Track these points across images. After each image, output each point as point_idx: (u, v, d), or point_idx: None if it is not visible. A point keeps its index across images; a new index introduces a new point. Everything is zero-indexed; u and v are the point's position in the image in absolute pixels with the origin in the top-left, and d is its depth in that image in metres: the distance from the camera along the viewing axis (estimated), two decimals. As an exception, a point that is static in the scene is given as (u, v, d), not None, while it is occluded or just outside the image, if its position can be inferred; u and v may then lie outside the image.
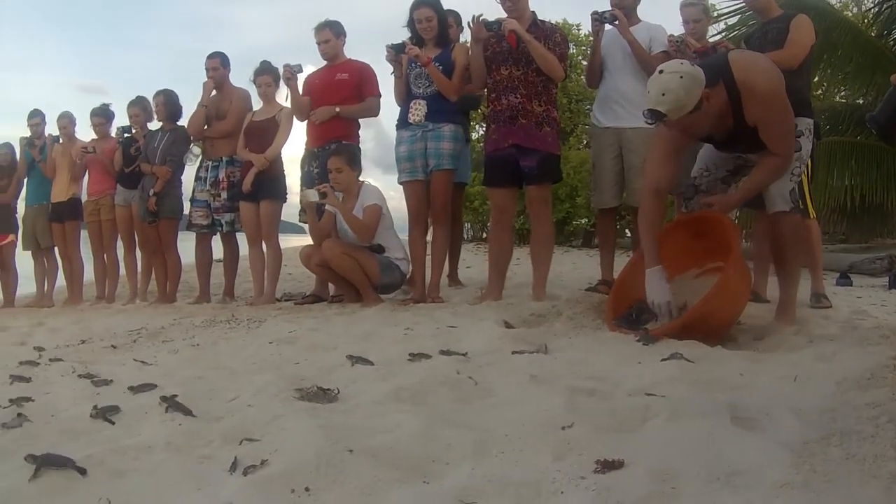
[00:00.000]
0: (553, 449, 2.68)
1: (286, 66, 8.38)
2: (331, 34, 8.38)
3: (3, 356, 6.31)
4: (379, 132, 10.07)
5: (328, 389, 3.74)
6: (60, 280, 11.66)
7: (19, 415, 3.87)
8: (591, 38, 18.01)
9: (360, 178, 7.86)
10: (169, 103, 9.79)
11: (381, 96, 8.41)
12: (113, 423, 3.58)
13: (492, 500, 2.31)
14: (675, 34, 7.29)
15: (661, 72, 4.92)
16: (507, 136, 6.99)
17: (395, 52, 7.42)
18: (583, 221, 20.30)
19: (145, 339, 6.58)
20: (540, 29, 6.98)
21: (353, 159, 7.78)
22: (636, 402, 3.20)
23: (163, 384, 4.34)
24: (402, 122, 7.62)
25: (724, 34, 11.81)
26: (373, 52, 9.12)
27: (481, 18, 6.90)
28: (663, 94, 4.81)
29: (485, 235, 22.78)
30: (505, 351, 4.61)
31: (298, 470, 2.58)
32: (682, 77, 4.80)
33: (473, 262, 12.81)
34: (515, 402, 3.37)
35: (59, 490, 2.67)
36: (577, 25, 22.88)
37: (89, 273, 11.28)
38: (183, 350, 5.80)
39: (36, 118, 11.35)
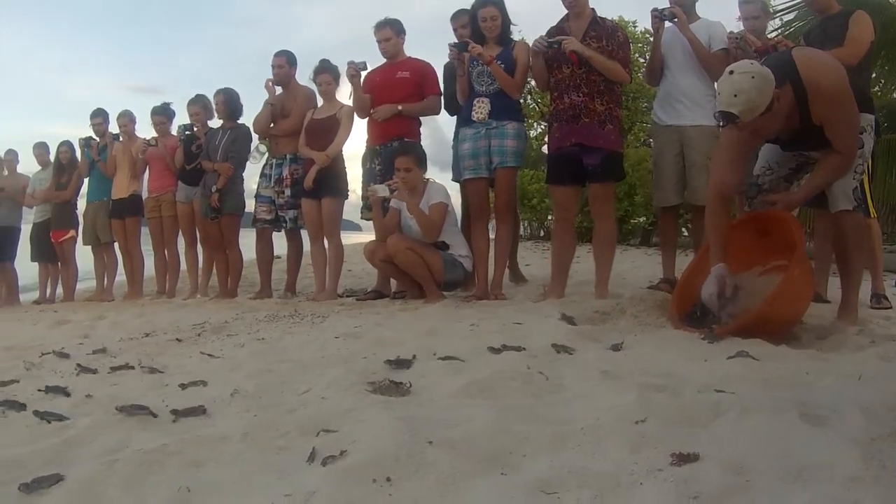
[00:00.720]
0: (629, 442, 2.77)
1: (350, 63, 8.48)
2: (391, 32, 8.52)
3: (68, 348, 6.55)
4: (434, 129, 10.24)
5: (400, 383, 3.88)
6: (119, 275, 11.99)
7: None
8: (647, 35, 18.06)
9: (426, 177, 7.96)
10: (230, 101, 10.00)
11: (441, 94, 8.56)
12: (184, 416, 3.76)
13: (572, 491, 2.39)
14: (735, 31, 7.38)
15: (731, 72, 4.89)
16: (569, 134, 7.07)
17: (459, 51, 7.51)
18: (641, 220, 20.30)
19: (210, 333, 6.74)
20: (601, 27, 7.07)
21: (420, 158, 7.86)
22: (706, 399, 3.29)
23: (232, 377, 4.55)
24: (465, 120, 7.72)
25: (780, 31, 11.81)
26: (426, 49, 9.26)
27: (542, 38, 7.06)
28: (735, 96, 4.78)
29: (542, 234, 22.84)
30: (572, 347, 4.70)
31: (378, 461, 2.69)
32: (753, 77, 4.78)
33: (532, 259, 12.91)
34: (588, 396, 3.48)
35: (136, 479, 2.83)
36: (634, 22, 22.82)
37: (149, 269, 11.60)
38: (249, 344, 5.95)
39: (98, 118, 11.67)
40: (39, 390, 4.77)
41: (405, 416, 3.26)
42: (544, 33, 7.22)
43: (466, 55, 7.55)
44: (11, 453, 3.40)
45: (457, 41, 7.61)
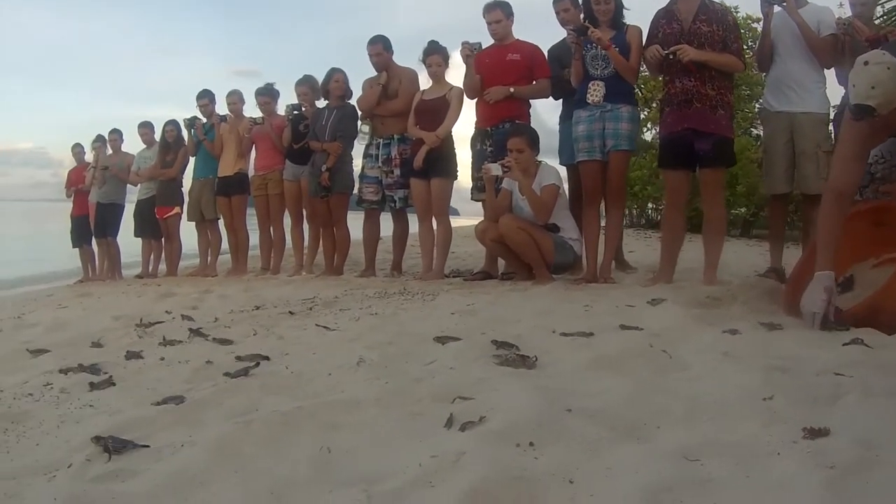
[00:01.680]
0: (759, 417, 2.90)
1: (465, 44, 8.56)
2: (502, 14, 8.58)
3: (180, 319, 6.87)
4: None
5: (526, 356, 4.03)
6: (222, 252, 12.36)
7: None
8: (749, 21, 17.88)
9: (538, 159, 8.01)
10: (346, 81, 10.18)
11: (551, 77, 8.60)
12: (310, 381, 3.95)
13: (714, 459, 2.52)
14: (843, 17, 7.32)
15: (865, 63, 4.70)
16: (681, 119, 7.08)
17: (578, 35, 7.53)
18: (741, 210, 20.09)
19: (321, 307, 6.91)
20: (710, 10, 7.05)
21: (533, 140, 7.92)
22: (827, 381, 3.37)
23: (353, 347, 4.73)
24: (580, 103, 7.74)
25: (883, 19, 11.67)
26: (527, 32, 9.32)
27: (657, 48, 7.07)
28: (873, 88, 4.61)
29: (643, 221, 22.77)
30: (688, 329, 4.81)
31: (519, 426, 2.83)
32: (889, 68, 4.61)
33: (635, 246, 12.90)
34: (712, 375, 3.60)
35: (274, 439, 3.01)
36: (736, 8, 22.55)
37: (253, 246, 11.92)
38: (363, 318, 6.11)
39: (205, 98, 12.05)
40: (160, 357, 5.09)
41: (539, 386, 3.43)
42: (655, 16, 7.29)
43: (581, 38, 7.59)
44: (139, 413, 3.65)
45: (576, 25, 7.62)
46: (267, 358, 4.62)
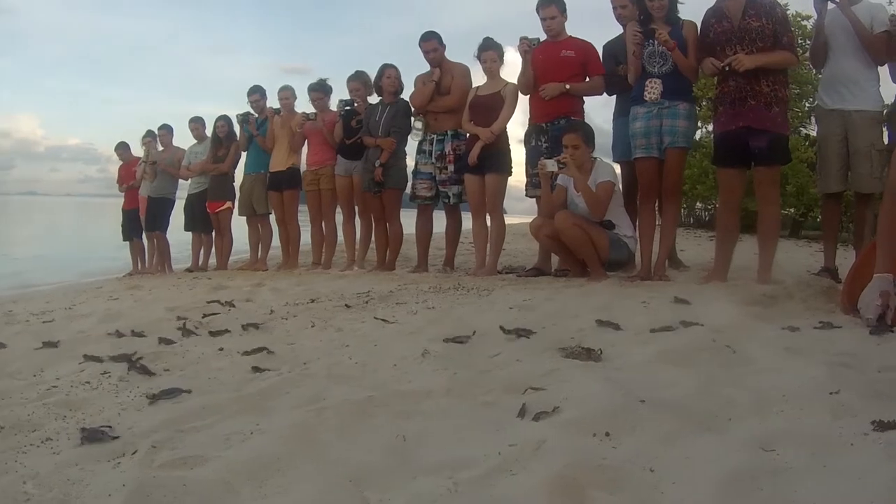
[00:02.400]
0: (828, 410, 2.92)
1: (523, 39, 8.59)
2: (556, 10, 8.57)
3: (235, 310, 6.98)
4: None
5: (592, 349, 4.06)
6: (272, 247, 12.46)
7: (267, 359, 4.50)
8: (798, 19, 17.75)
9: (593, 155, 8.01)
10: (399, 77, 10.21)
11: (606, 74, 8.61)
12: (375, 371, 4.03)
13: (789, 449, 2.56)
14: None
15: None
16: (736, 117, 7.06)
17: (644, 36, 7.53)
18: (791, 210, 19.98)
19: (377, 301, 6.94)
20: (758, 5, 7.00)
21: (588, 136, 7.94)
22: (890, 377, 3.39)
23: (415, 340, 4.77)
24: (637, 99, 7.74)
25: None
26: (576, 29, 9.30)
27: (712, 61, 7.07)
28: None
29: (692, 220, 22.71)
30: (748, 326, 4.80)
31: (593, 417, 2.89)
32: None
33: (686, 245, 12.92)
34: (777, 369, 3.61)
35: (349, 426, 3.07)
36: (786, 4, 22.43)
37: (304, 241, 11.98)
38: (421, 312, 6.15)
39: (256, 94, 12.14)
40: (218, 348, 5.18)
41: (608, 378, 3.47)
42: (705, 15, 7.28)
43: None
44: (203, 401, 3.73)
45: (644, 28, 7.55)
46: (327, 349, 4.70)
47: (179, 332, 6.01)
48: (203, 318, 6.65)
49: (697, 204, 22.36)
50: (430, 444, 2.82)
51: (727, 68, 6.94)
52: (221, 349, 5.18)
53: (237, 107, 11.98)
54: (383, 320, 5.75)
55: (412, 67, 10.08)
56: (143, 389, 4.16)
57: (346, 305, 6.78)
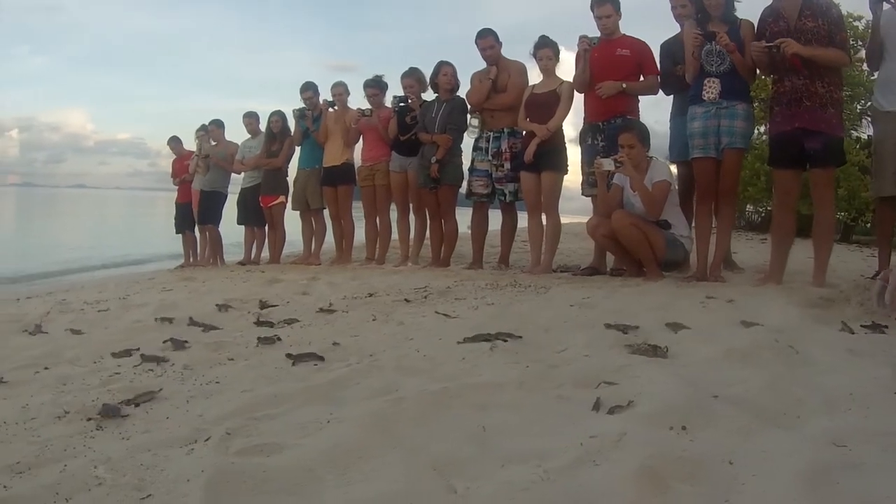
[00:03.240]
0: (895, 408, 2.98)
1: (583, 38, 8.62)
2: (612, 9, 8.60)
3: (294, 304, 7.06)
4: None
5: (658, 346, 4.12)
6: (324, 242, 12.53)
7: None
8: (850, 20, 17.60)
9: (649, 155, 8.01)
10: (455, 74, 10.26)
11: (663, 73, 8.62)
12: (444, 364, 4.08)
13: (861, 445, 2.61)
14: None
15: None
16: (791, 118, 7.04)
17: (704, 39, 7.50)
18: (842, 215, 19.82)
19: (436, 296, 7.02)
20: (814, 5, 6.99)
21: (644, 136, 7.95)
22: None
23: (475, 334, 4.78)
24: (695, 99, 7.73)
25: None
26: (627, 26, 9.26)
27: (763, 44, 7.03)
28: None
29: (743, 223, 22.59)
30: (808, 328, 4.82)
31: (669, 411, 2.95)
32: None
33: (738, 247, 12.81)
34: (841, 369, 3.66)
35: (426, 417, 3.13)
36: (837, 4, 22.16)
37: (358, 236, 12.07)
38: (481, 307, 6.21)
39: (309, 91, 12.23)
40: (276, 338, 5.27)
41: (678, 375, 3.53)
42: (761, 16, 7.27)
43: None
44: (271, 390, 3.81)
45: (705, 31, 7.51)
46: (392, 342, 4.78)
47: (239, 323, 6.15)
48: (262, 309, 6.76)
49: (748, 206, 22.25)
50: (509, 435, 2.87)
51: (776, 50, 6.91)
52: (279, 339, 5.28)
53: (284, 102, 12.17)
54: (445, 315, 5.81)
55: (468, 65, 10.13)
56: (208, 378, 4.26)
57: (405, 300, 6.84)
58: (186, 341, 5.32)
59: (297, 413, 3.37)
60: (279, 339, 5.27)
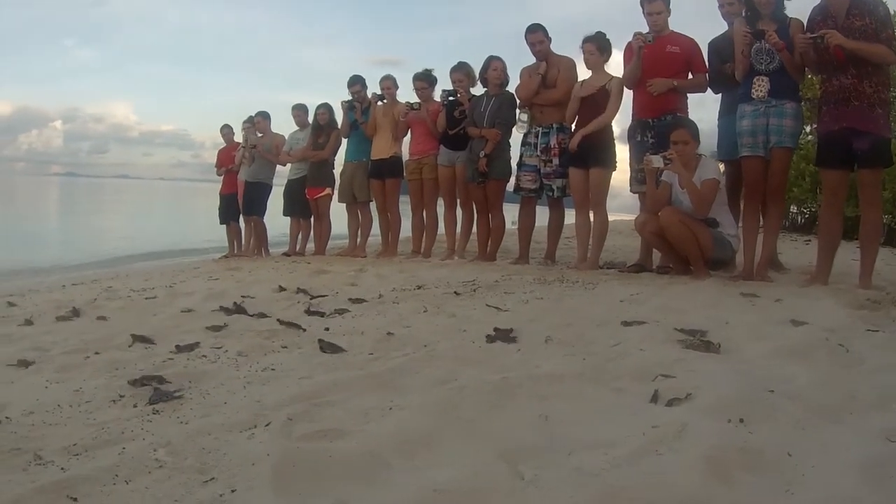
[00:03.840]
0: None
1: (638, 35, 8.58)
2: (662, 6, 8.60)
3: (342, 294, 7.11)
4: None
5: (710, 342, 4.19)
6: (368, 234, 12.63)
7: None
8: (896, 18, 17.41)
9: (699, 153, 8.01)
10: (504, 69, 10.29)
11: (712, 71, 8.59)
12: (501, 355, 4.17)
13: None
14: None
15: None
16: (839, 117, 7.05)
17: (753, 37, 7.54)
18: (887, 217, 19.59)
19: (484, 290, 7.06)
20: (862, 4, 6.97)
21: (695, 133, 7.95)
22: None
23: (534, 328, 4.90)
24: (744, 97, 7.73)
25: None
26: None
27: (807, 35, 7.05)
28: None
29: (787, 223, 22.45)
30: (856, 328, 4.83)
31: (727, 404, 3.02)
32: None
33: (782, 248, 12.66)
34: (891, 368, 3.71)
35: (490, 405, 3.20)
36: (884, 4, 21.98)
37: (404, 229, 12.14)
38: (531, 301, 6.27)
39: (356, 84, 12.28)
40: (325, 328, 5.35)
41: (734, 370, 3.60)
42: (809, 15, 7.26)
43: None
44: (330, 378, 3.88)
45: (754, 30, 7.52)
46: (445, 333, 4.88)
47: (290, 312, 6.21)
48: (312, 298, 6.84)
49: (792, 207, 22.10)
50: (571, 425, 2.94)
51: (820, 41, 6.91)
52: (327, 329, 5.36)
53: (327, 96, 12.21)
54: (496, 308, 5.86)
55: (515, 61, 10.19)
56: (263, 364, 4.34)
57: (455, 293, 6.90)
58: (238, 328, 5.43)
59: (358, 400, 3.43)
60: (327, 328, 5.36)
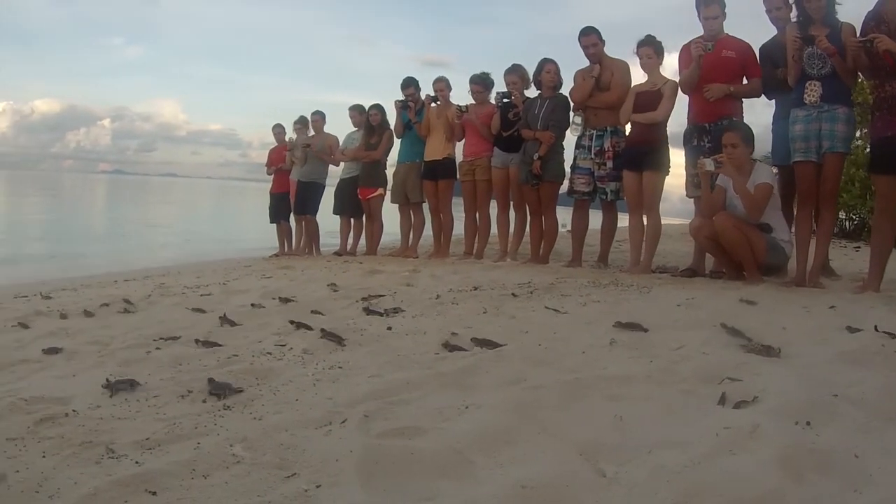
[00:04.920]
0: None
1: (698, 42, 8.58)
2: (719, 10, 8.62)
3: (401, 294, 7.23)
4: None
5: (771, 347, 4.26)
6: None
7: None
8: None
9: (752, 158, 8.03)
10: (558, 72, 10.37)
11: (764, 76, 8.57)
12: (566, 357, 4.24)
13: None
14: None
15: None
16: (892, 123, 7.04)
17: (803, 42, 7.57)
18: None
19: (541, 292, 7.12)
20: None
21: (747, 137, 7.96)
22: None
23: (594, 330, 4.98)
24: (797, 102, 7.73)
25: None
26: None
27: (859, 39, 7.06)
28: None
29: (836, 230, 22.31)
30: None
31: (793, 407, 3.10)
32: None
33: (832, 254, 12.74)
34: (953, 375, 3.80)
35: (565, 406, 3.30)
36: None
37: (456, 230, 12.20)
38: (588, 304, 6.34)
39: (410, 87, 12.41)
40: (387, 327, 5.43)
41: (797, 374, 3.69)
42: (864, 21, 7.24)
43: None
44: (400, 376, 3.97)
45: (804, 35, 7.52)
46: (508, 334, 4.94)
47: (349, 311, 6.33)
48: (372, 298, 6.92)
49: (841, 213, 21.99)
50: (646, 424, 3.04)
51: (869, 45, 6.92)
52: (390, 328, 5.44)
53: (376, 95, 12.30)
54: (555, 310, 5.93)
55: (568, 64, 10.24)
56: (330, 362, 4.43)
57: (512, 294, 6.96)
58: (300, 328, 5.50)
59: (432, 398, 3.52)
60: (389, 328, 5.44)
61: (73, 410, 3.54)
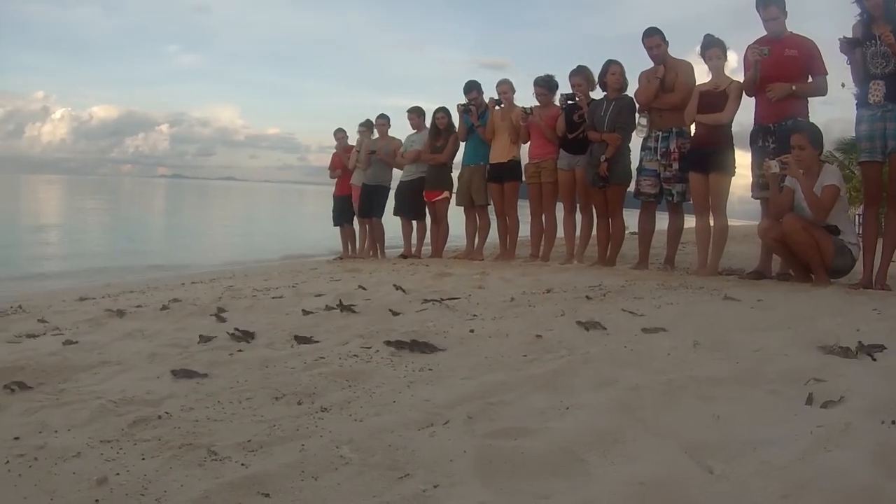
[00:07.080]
0: None
1: (755, 48, 8.68)
2: (777, 11, 8.67)
3: (475, 296, 7.32)
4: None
5: (848, 348, 4.35)
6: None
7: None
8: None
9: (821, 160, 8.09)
10: (623, 73, 10.55)
11: (828, 74, 8.66)
12: (647, 360, 4.36)
13: None
14: None
15: None
16: None
17: (850, 46, 7.71)
18: None
19: (614, 294, 7.23)
20: None
21: (815, 138, 8.02)
22: None
23: (673, 332, 5.11)
24: (862, 102, 7.79)
25: None
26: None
27: None
28: None
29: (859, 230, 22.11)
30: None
31: (878, 406, 3.21)
32: None
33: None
34: None
35: (666, 404, 3.43)
36: None
37: (522, 232, 12.34)
38: (663, 307, 6.42)
39: (473, 91, 12.58)
40: (469, 329, 5.52)
41: (879, 374, 3.83)
42: None
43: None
44: (494, 378, 4.07)
45: (864, 32, 7.66)
46: (589, 337, 5.10)
47: (427, 314, 6.40)
48: (448, 301, 6.98)
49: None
50: (741, 423, 3.14)
51: None
52: (472, 331, 5.51)
53: (433, 99, 12.45)
54: (631, 312, 6.01)
55: (632, 66, 10.37)
56: (419, 364, 4.53)
57: (586, 297, 7.05)
58: (381, 331, 5.53)
59: (530, 399, 3.61)
60: (471, 330, 5.51)
61: (167, 412, 3.58)
